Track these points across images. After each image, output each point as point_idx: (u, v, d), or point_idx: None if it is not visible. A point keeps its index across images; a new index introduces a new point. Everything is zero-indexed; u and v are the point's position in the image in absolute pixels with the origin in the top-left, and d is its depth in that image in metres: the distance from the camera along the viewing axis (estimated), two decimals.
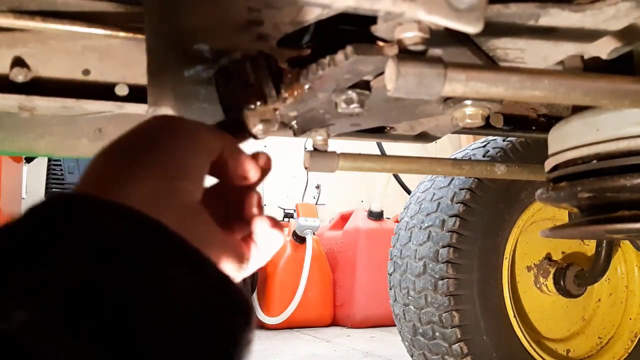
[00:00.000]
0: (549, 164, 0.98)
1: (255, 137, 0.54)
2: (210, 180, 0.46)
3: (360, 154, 0.95)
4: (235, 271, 0.41)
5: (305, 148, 0.90)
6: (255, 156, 0.48)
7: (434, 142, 1.00)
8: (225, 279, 0.33)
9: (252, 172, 0.47)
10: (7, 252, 0.27)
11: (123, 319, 0.26)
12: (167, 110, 0.69)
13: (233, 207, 0.48)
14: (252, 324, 0.34)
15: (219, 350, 0.31)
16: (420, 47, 0.47)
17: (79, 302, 0.25)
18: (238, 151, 0.46)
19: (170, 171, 0.37)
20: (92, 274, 0.27)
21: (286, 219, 3.70)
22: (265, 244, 0.47)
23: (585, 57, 0.79)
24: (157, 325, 0.27)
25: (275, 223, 0.47)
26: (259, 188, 0.50)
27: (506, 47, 0.66)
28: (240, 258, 0.42)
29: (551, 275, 1.51)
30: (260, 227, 0.46)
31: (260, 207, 0.48)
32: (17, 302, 0.24)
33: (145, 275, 0.29)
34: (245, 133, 0.53)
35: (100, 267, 0.27)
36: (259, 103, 0.57)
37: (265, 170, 0.49)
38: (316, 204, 3.92)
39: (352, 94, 0.57)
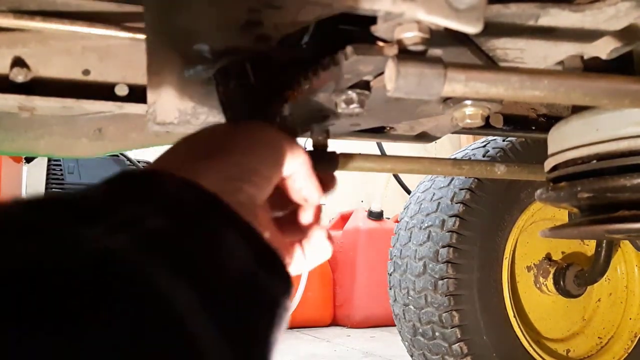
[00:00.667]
0: (549, 164, 0.98)
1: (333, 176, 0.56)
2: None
3: (360, 154, 0.95)
4: None
5: (305, 148, 0.90)
6: (323, 179, 0.50)
7: (434, 142, 1.00)
8: (274, 252, 0.36)
9: (314, 197, 0.48)
10: (98, 201, 0.30)
11: (196, 260, 0.29)
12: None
13: (288, 210, 0.49)
14: (292, 293, 0.37)
15: (267, 307, 0.34)
16: (420, 47, 0.47)
17: (158, 241, 0.28)
18: (310, 175, 0.47)
19: (236, 173, 0.39)
20: (169, 223, 0.30)
21: None
22: (314, 254, 0.48)
23: (585, 57, 0.79)
24: (223, 272, 0.31)
25: (330, 236, 0.49)
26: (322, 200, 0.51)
27: (506, 47, 0.66)
28: (285, 257, 0.44)
29: (551, 275, 1.51)
30: (317, 236, 0.48)
31: (319, 217, 0.50)
32: (119, 228, 0.27)
33: (210, 232, 0.32)
34: (330, 166, 0.55)
35: (174, 219, 0.30)
36: (259, 103, 0.57)
37: (329, 191, 0.51)
38: None
39: (352, 94, 0.57)
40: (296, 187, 0.46)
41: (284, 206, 0.50)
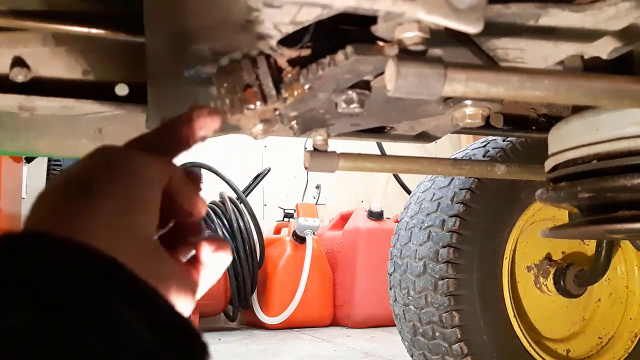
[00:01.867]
0: (549, 164, 0.98)
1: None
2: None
3: (360, 154, 0.95)
4: (190, 302, 0.40)
5: (305, 148, 0.90)
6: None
7: (434, 142, 1.00)
8: (184, 324, 0.31)
9: (198, 206, 0.44)
10: None
11: None
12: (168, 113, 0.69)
13: (176, 230, 0.46)
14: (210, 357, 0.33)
15: None
16: (420, 47, 0.47)
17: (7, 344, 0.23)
18: (186, 185, 0.43)
19: (125, 205, 0.36)
20: (32, 314, 0.24)
21: (286, 219, 3.70)
22: (212, 267, 0.45)
23: (585, 57, 0.79)
24: None
25: (219, 245, 0.45)
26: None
27: (506, 47, 0.66)
28: (194, 288, 0.42)
29: (551, 275, 1.51)
30: (205, 252, 0.45)
31: (200, 229, 0.46)
32: None
33: (94, 317, 0.26)
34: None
35: (44, 307, 0.25)
36: (259, 103, 0.57)
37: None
38: (316, 204, 3.92)
39: (352, 94, 0.57)
40: (179, 203, 0.43)
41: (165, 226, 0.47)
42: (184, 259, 0.46)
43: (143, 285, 0.30)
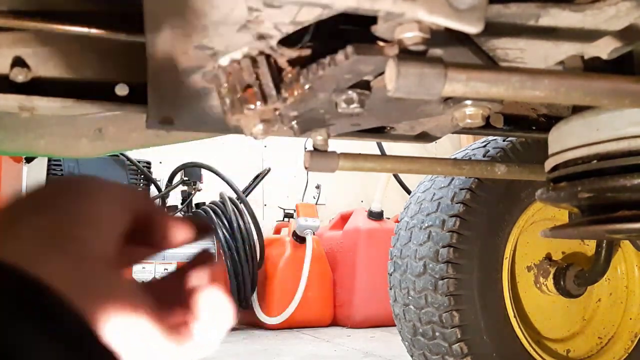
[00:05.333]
0: (549, 164, 0.98)
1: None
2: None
3: (360, 154, 0.95)
4: (159, 344, 0.34)
5: (305, 148, 0.90)
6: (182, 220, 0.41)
7: (434, 142, 1.00)
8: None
9: (181, 232, 0.39)
10: None
11: None
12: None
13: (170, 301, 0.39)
14: None
15: None
16: (420, 47, 0.47)
17: None
18: (161, 212, 0.40)
19: (63, 219, 0.33)
20: None
21: (286, 219, 3.70)
22: (210, 327, 0.37)
23: (586, 57, 0.79)
24: None
25: (221, 299, 0.37)
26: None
27: (506, 47, 0.66)
28: (173, 331, 0.35)
29: (551, 275, 1.51)
30: (208, 299, 0.37)
31: (211, 273, 0.40)
32: None
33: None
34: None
35: None
36: (259, 103, 0.57)
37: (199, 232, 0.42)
38: (316, 204, 3.92)
39: (352, 94, 0.57)
40: (154, 229, 0.38)
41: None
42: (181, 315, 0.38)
43: (59, 306, 0.27)
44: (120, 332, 0.31)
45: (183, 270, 0.41)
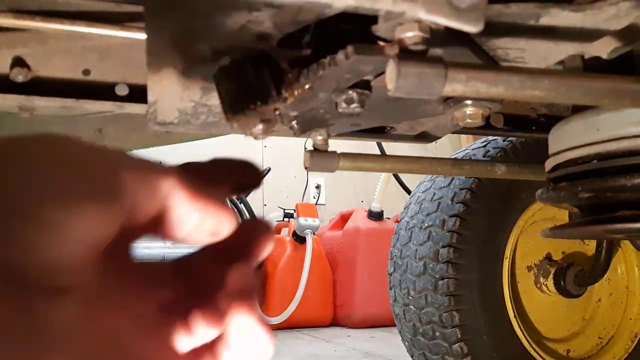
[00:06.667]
0: (549, 163, 0.98)
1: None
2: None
3: (360, 154, 0.95)
4: None
5: (305, 148, 0.90)
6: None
7: (434, 142, 1.00)
8: None
9: (219, 223, 0.28)
10: None
11: None
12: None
13: (205, 294, 0.29)
14: None
15: None
16: (420, 47, 0.47)
17: None
18: (194, 196, 0.26)
19: None
20: None
21: (286, 219, 3.70)
22: (238, 357, 0.28)
23: (586, 56, 0.79)
24: None
25: (264, 322, 0.28)
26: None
27: (506, 47, 0.66)
28: None
29: (551, 275, 1.51)
30: (235, 325, 0.27)
31: (249, 295, 0.28)
32: None
33: None
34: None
35: None
36: (259, 103, 0.57)
37: (257, 240, 0.30)
38: (316, 204, 3.92)
39: (352, 93, 0.57)
40: (188, 226, 0.27)
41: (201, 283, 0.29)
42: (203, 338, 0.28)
43: None
44: None
45: (221, 249, 0.29)
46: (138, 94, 0.79)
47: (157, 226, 0.26)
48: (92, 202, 0.22)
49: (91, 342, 0.23)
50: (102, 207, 0.22)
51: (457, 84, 0.47)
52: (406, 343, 1.53)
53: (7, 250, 0.20)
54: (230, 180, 0.31)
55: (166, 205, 0.25)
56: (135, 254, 0.28)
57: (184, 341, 0.27)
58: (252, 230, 0.30)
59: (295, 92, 0.57)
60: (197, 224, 0.27)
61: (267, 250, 0.31)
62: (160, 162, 0.26)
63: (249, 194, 0.37)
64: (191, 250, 0.31)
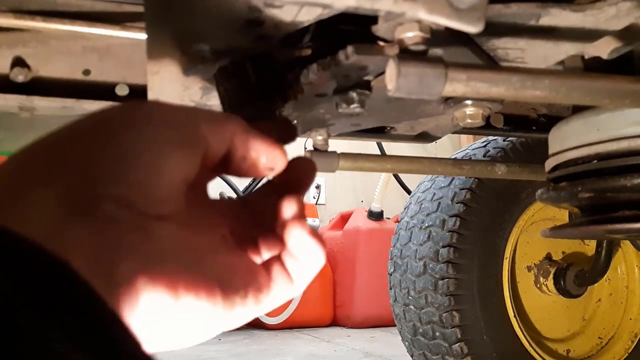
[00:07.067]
0: (550, 164, 0.98)
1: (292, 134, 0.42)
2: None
3: (360, 154, 0.95)
4: (225, 308, 0.31)
5: (305, 148, 0.90)
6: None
7: (434, 142, 1.00)
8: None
9: (274, 159, 0.34)
10: None
11: None
12: None
13: (266, 222, 0.36)
14: None
15: None
16: (421, 47, 0.47)
17: None
18: (252, 136, 0.33)
19: (97, 174, 0.26)
20: None
21: None
22: (299, 265, 0.34)
23: (586, 57, 0.79)
24: None
25: (315, 233, 0.33)
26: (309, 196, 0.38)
27: (507, 47, 0.66)
28: (237, 290, 0.32)
29: (551, 275, 1.51)
30: (293, 236, 0.33)
31: (301, 215, 0.34)
32: None
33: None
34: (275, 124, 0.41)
35: None
36: (259, 103, 0.57)
37: (304, 175, 0.37)
38: (316, 204, 3.92)
39: (352, 93, 0.57)
40: (240, 156, 0.33)
41: (258, 214, 0.37)
42: (265, 255, 0.36)
43: (97, 312, 0.21)
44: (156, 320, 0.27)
45: (273, 185, 0.37)
46: (138, 94, 0.79)
47: (225, 164, 0.33)
48: (180, 148, 0.29)
49: (188, 254, 0.30)
50: (188, 151, 0.30)
51: (457, 84, 0.47)
52: (406, 343, 1.53)
53: (122, 187, 0.26)
54: (274, 131, 0.38)
55: (231, 146, 0.32)
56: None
57: (256, 258, 0.35)
58: (298, 167, 0.37)
59: (296, 92, 0.58)
60: (256, 160, 0.34)
61: (312, 182, 0.38)
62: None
63: (289, 142, 0.41)
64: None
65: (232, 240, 0.35)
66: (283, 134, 0.39)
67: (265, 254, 0.36)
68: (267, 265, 0.35)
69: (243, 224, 0.36)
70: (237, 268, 0.33)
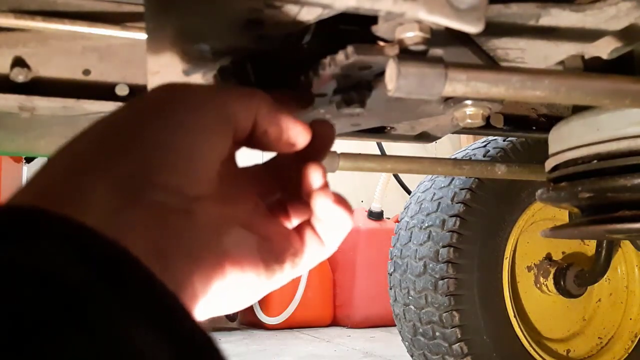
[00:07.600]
0: (550, 164, 0.98)
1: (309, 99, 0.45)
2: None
3: (360, 154, 0.95)
4: (267, 277, 0.33)
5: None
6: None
7: (434, 142, 1.00)
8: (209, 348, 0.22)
9: (296, 135, 0.35)
10: None
11: None
12: None
13: (292, 186, 0.38)
14: None
15: None
16: (421, 47, 0.47)
17: None
18: (275, 112, 0.34)
19: (145, 163, 0.27)
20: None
21: None
22: (328, 229, 0.36)
23: (586, 57, 0.79)
24: None
25: (340, 199, 0.35)
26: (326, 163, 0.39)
27: (507, 47, 0.66)
28: (276, 258, 0.34)
29: (551, 275, 1.51)
30: (320, 205, 0.35)
31: (325, 183, 0.36)
32: None
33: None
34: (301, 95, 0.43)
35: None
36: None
37: (324, 138, 0.38)
38: None
39: (352, 93, 0.57)
40: (269, 133, 0.34)
41: (285, 181, 0.39)
42: (295, 222, 0.38)
43: (160, 294, 0.22)
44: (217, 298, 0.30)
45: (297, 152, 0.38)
46: (138, 94, 0.79)
47: (251, 139, 0.34)
48: (215, 132, 0.31)
49: (229, 229, 0.32)
50: (221, 133, 0.31)
51: (457, 84, 0.47)
52: (406, 343, 1.53)
53: (168, 174, 0.28)
54: (292, 101, 0.41)
55: (256, 122, 0.33)
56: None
57: (287, 223, 0.38)
58: (317, 130, 0.38)
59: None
60: (278, 136, 0.35)
61: (331, 145, 0.39)
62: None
63: (307, 107, 0.44)
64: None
65: (263, 207, 0.37)
66: (301, 100, 0.43)
67: (295, 219, 0.38)
68: (299, 229, 0.37)
69: (269, 189, 0.38)
70: (273, 235, 0.35)
